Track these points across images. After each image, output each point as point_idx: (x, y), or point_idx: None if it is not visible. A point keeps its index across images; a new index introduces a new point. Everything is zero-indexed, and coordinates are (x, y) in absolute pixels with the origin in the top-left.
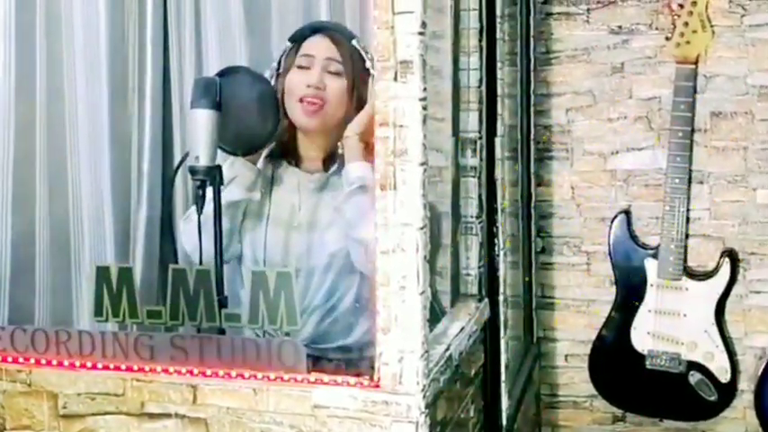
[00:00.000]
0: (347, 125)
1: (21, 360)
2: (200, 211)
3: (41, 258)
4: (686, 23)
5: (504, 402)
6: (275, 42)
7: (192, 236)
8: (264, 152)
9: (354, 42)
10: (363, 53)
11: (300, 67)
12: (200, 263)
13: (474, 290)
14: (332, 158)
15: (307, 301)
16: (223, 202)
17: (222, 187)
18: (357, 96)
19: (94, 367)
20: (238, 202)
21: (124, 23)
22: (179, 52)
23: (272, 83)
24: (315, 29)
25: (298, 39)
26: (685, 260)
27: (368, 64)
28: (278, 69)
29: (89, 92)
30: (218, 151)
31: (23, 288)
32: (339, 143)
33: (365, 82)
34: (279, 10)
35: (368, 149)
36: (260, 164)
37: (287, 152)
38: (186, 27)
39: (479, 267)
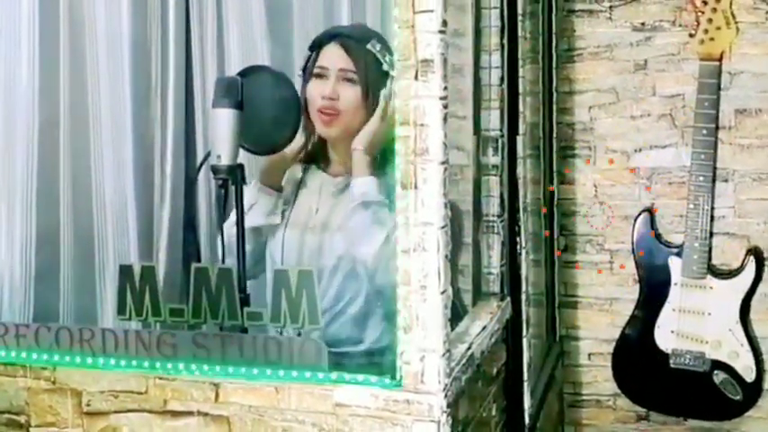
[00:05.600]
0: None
1: (45, 358)
2: (221, 209)
3: (65, 257)
4: (710, 20)
5: (527, 401)
6: (296, 42)
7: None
8: (300, 155)
9: (370, 45)
10: (380, 56)
11: (317, 77)
12: (223, 261)
13: (496, 288)
14: None
15: None
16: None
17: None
18: (373, 101)
19: (118, 365)
20: (260, 228)
21: (147, 24)
22: (201, 53)
23: (300, 90)
24: (331, 36)
25: (316, 47)
26: (710, 258)
27: (385, 66)
28: (303, 77)
29: (112, 93)
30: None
31: (48, 286)
32: None
33: (384, 85)
34: (300, 9)
35: (376, 161)
36: (287, 175)
37: (318, 156)
38: (208, 28)
39: (501, 266)
